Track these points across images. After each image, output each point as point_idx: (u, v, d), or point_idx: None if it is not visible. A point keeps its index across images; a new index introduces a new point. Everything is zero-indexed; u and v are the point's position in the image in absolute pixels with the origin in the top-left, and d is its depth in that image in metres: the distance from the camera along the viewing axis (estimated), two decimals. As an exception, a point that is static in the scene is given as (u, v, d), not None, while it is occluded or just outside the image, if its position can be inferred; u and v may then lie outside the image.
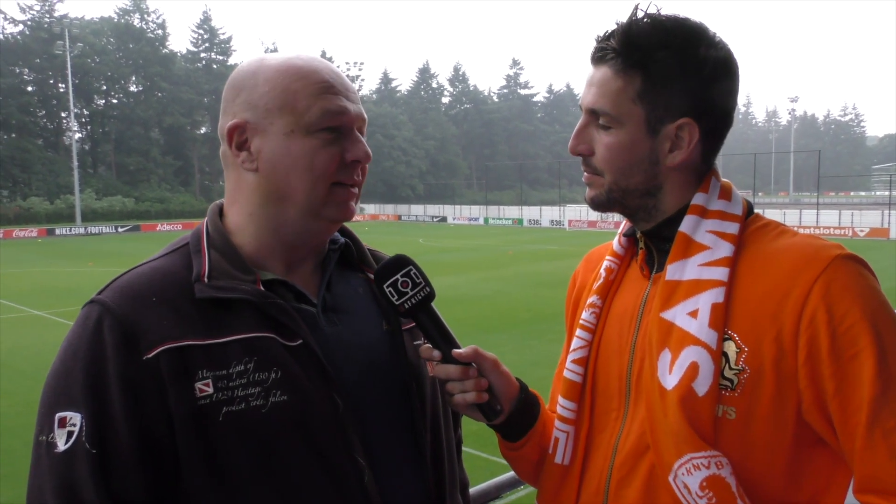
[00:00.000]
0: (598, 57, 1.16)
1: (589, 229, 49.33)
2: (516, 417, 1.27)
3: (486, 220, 60.91)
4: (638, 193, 1.18)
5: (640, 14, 1.14)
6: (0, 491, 7.08)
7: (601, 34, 1.17)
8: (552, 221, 55.76)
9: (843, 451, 1.03)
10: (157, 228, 52.24)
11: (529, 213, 61.06)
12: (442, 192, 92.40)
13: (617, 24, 1.15)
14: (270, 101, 1.11)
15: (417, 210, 71.02)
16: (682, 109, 1.13)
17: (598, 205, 1.22)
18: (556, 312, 15.49)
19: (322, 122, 1.11)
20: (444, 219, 64.81)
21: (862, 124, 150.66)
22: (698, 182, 1.19)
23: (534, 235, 43.70)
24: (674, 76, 1.12)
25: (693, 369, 1.06)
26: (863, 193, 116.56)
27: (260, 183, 1.13)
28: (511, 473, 1.85)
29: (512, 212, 63.89)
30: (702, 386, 1.06)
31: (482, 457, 7.17)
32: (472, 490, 1.65)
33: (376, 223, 62.97)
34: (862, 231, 38.28)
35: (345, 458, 1.08)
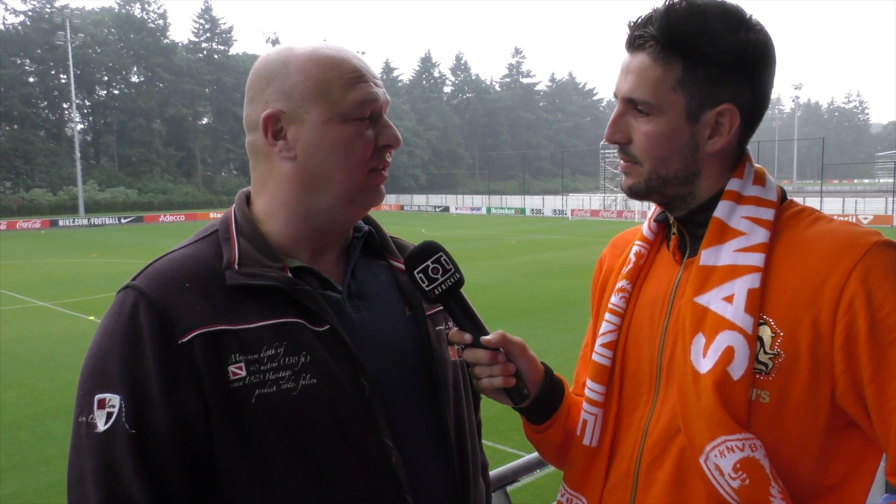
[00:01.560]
0: (637, 44, 1.14)
1: (591, 218, 49.28)
2: (542, 401, 1.28)
3: (488, 209, 60.87)
4: (677, 181, 1.17)
5: None
6: (8, 481, 7.13)
7: (636, 20, 1.15)
8: (555, 211, 55.69)
9: (878, 434, 1.03)
10: (160, 219, 52.27)
11: (532, 202, 60.97)
12: (444, 182, 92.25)
13: (653, 9, 1.13)
14: (306, 90, 1.13)
15: (420, 200, 70.99)
16: (724, 95, 1.12)
17: (636, 193, 1.21)
18: (560, 302, 15.59)
19: (356, 111, 1.14)
20: (446, 209, 64.79)
21: (866, 111, 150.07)
22: (734, 167, 1.19)
23: (536, 225, 43.67)
24: (715, 62, 1.10)
25: (728, 353, 1.06)
26: (866, 181, 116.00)
27: (297, 171, 1.15)
28: (527, 458, 1.88)
29: (514, 201, 63.82)
30: (737, 370, 1.06)
31: (487, 445, 7.20)
32: (490, 474, 1.68)
33: (378, 213, 62.40)
34: (866, 219, 38.15)
35: (373, 440, 1.11)
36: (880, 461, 1.11)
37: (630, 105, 1.16)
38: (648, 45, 1.12)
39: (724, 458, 1.05)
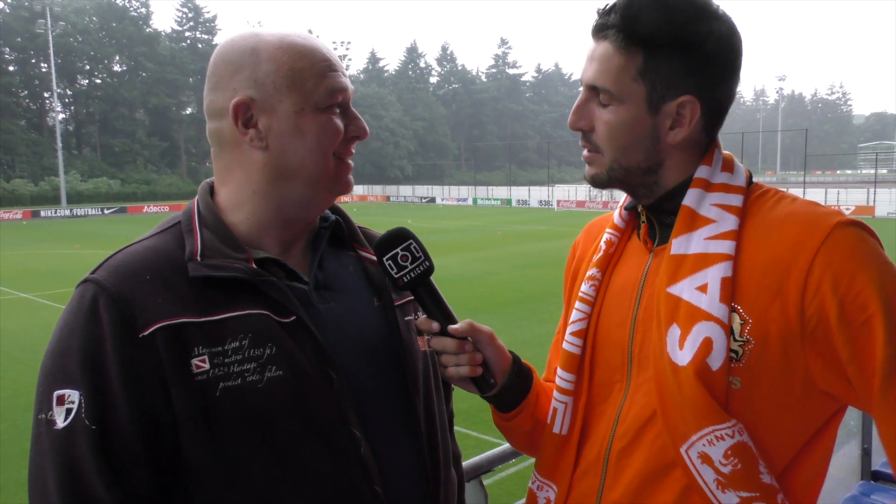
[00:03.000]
0: (599, 32, 1.14)
1: (577, 209, 49.40)
2: (509, 389, 1.29)
3: (474, 200, 60.83)
4: (639, 171, 1.17)
5: None
6: (-10, 474, 7.07)
7: (602, 7, 1.15)
8: (541, 202, 55.79)
9: (868, 411, 1.05)
10: (144, 210, 51.83)
11: (518, 193, 61.04)
12: (430, 173, 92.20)
13: None
14: (278, 79, 1.11)
15: (406, 191, 70.81)
16: (684, 87, 1.11)
17: (599, 183, 1.21)
18: (545, 293, 15.66)
19: (328, 101, 1.14)
20: (432, 199, 64.69)
21: (849, 103, 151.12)
22: (701, 156, 1.18)
23: (522, 216, 43.75)
24: (676, 53, 1.10)
25: (707, 345, 1.06)
26: (849, 172, 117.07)
27: (268, 160, 1.14)
28: (502, 448, 1.88)
29: (500, 192, 63.86)
30: (716, 361, 1.06)
31: (472, 435, 7.23)
32: (463, 464, 1.67)
33: (364, 204, 62.76)
34: (848, 209, 38.46)
35: (341, 431, 1.10)
36: (840, 421, 1.14)
37: (593, 93, 1.16)
38: (611, 34, 1.12)
39: (713, 446, 1.05)
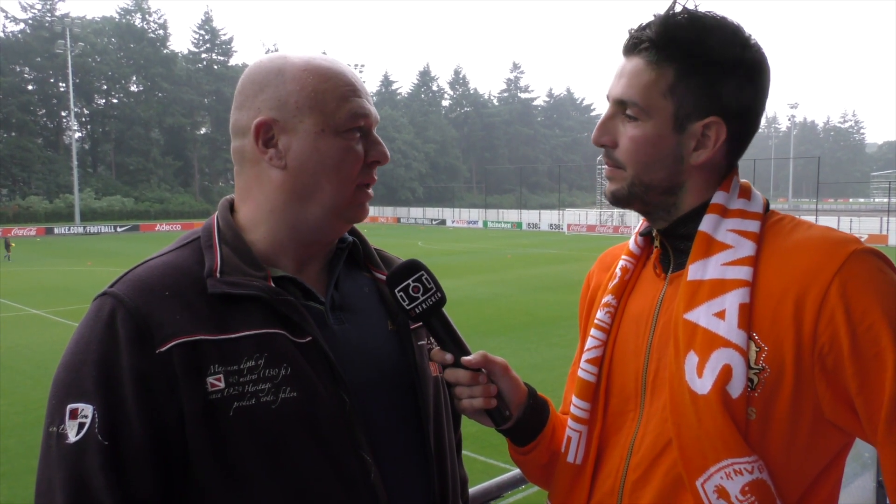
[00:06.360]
0: (632, 46, 1.15)
1: (587, 233, 49.37)
2: (525, 422, 1.27)
3: (485, 223, 60.98)
4: (659, 190, 1.17)
5: (678, 9, 1.12)
6: (-3, 490, 7.07)
7: (636, 26, 1.16)
8: (551, 225, 55.85)
9: (872, 443, 1.04)
10: (157, 229, 52.30)
11: (528, 216, 61.15)
12: (441, 195, 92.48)
13: (654, 16, 1.14)
14: (300, 99, 1.12)
15: (417, 213, 71.11)
16: (712, 108, 1.12)
17: (619, 199, 1.21)
18: (555, 316, 15.59)
19: (349, 124, 1.14)
20: (443, 222, 64.92)
21: (861, 131, 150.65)
22: (719, 182, 1.18)
23: (533, 239, 43.74)
24: (707, 74, 1.11)
25: (726, 372, 1.05)
26: (862, 200, 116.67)
27: (286, 180, 1.14)
28: (513, 473, 1.86)
29: (511, 215, 64.00)
30: (736, 389, 1.04)
31: (480, 460, 7.16)
32: (474, 489, 1.66)
33: (375, 225, 62.99)
34: (861, 237, 37.99)
35: (351, 455, 1.09)
36: (847, 454, 1.13)
37: (620, 108, 1.16)
38: (644, 49, 1.13)
39: (730, 480, 1.03)
